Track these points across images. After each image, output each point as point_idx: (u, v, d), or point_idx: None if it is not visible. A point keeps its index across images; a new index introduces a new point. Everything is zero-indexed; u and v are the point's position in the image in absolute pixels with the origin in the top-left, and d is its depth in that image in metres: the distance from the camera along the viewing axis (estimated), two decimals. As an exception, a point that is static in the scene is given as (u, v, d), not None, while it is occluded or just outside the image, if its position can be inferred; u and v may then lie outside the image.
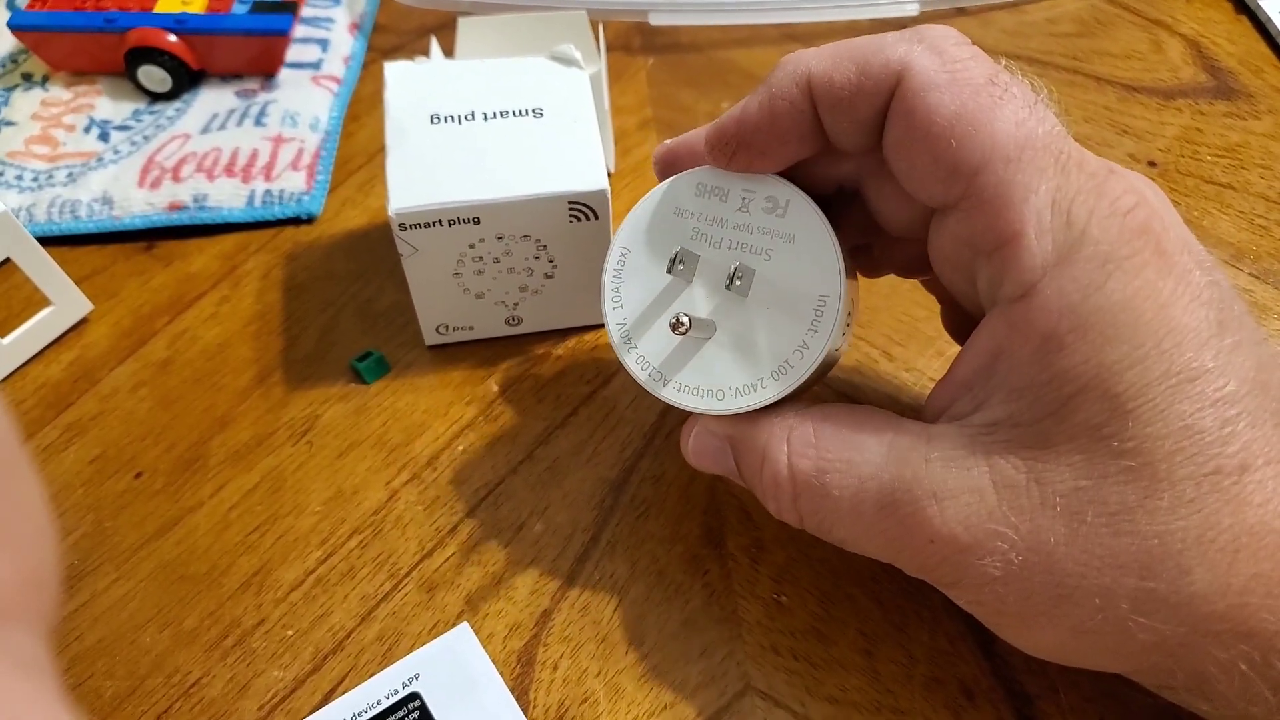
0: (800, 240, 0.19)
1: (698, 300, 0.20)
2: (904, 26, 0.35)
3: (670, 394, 0.20)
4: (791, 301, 0.19)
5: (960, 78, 0.16)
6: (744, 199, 0.20)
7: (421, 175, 0.23)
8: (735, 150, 0.19)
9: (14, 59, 0.34)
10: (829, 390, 0.25)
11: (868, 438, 0.18)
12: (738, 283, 0.19)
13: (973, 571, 0.16)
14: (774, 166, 0.19)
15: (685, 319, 0.19)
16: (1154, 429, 0.15)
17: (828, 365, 0.20)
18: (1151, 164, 0.31)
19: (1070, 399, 0.16)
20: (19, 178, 0.31)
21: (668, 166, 0.21)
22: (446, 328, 0.26)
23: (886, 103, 0.17)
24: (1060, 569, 0.16)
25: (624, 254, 0.20)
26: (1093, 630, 0.16)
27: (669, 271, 0.20)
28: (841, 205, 0.20)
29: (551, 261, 0.25)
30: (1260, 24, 0.34)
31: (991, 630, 0.18)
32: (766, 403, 0.19)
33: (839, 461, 0.18)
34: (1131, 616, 0.16)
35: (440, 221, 0.23)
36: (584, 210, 0.24)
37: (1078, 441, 0.16)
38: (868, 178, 0.20)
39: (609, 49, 0.34)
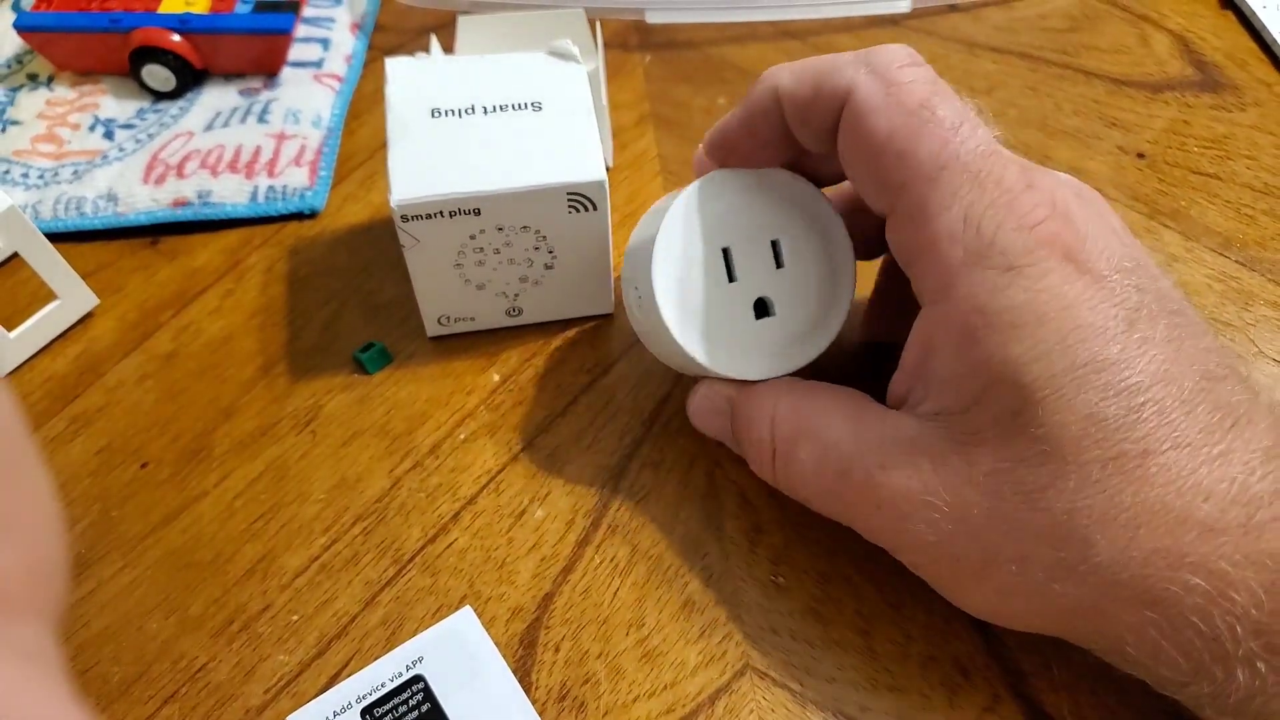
0: (818, 230, 0.22)
1: (745, 288, 0.22)
2: (897, 23, 0.36)
3: (729, 368, 0.22)
4: (812, 285, 0.22)
5: (894, 101, 0.18)
6: (758, 194, 0.22)
7: (423, 167, 0.24)
8: (725, 155, 0.22)
9: (19, 59, 0.35)
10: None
11: (837, 414, 0.20)
12: (779, 260, 0.22)
13: (911, 536, 0.19)
14: (760, 166, 0.22)
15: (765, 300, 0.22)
16: (1061, 416, 0.17)
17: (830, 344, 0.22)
18: (1140, 155, 0.31)
19: (986, 389, 0.17)
20: (25, 175, 0.31)
21: (727, 150, 0.22)
22: (448, 319, 0.27)
23: (837, 117, 0.19)
24: (982, 538, 0.18)
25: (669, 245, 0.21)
26: (1014, 592, 0.18)
27: (729, 270, 0.22)
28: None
29: (551, 252, 0.25)
30: (1245, 18, 0.35)
31: (936, 590, 0.20)
32: (788, 371, 0.22)
33: (811, 431, 0.20)
34: (1047, 584, 0.17)
35: (441, 213, 0.24)
36: (582, 201, 0.24)
37: (999, 427, 0.17)
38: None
39: (606, 46, 0.35)
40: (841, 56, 0.19)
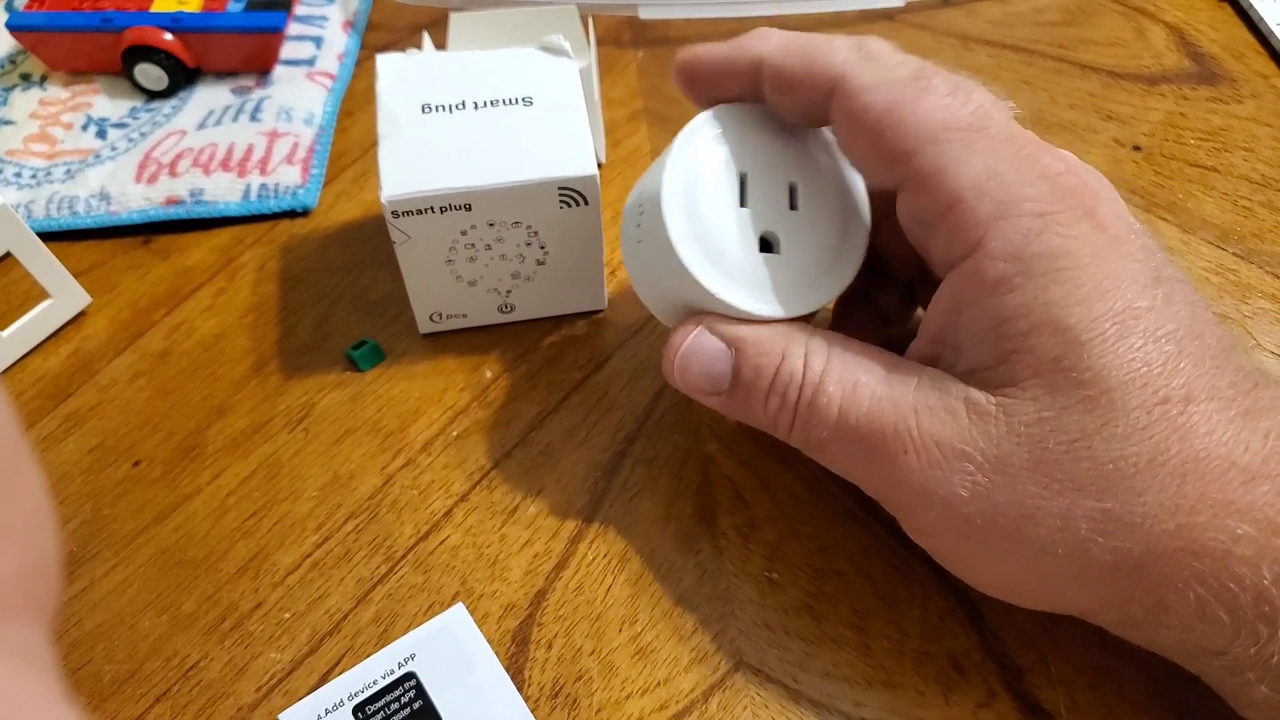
0: (834, 181, 0.21)
1: (755, 217, 0.21)
2: (891, 18, 0.36)
3: (730, 295, 0.20)
4: (822, 234, 0.21)
5: (888, 78, 0.19)
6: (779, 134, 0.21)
7: (413, 163, 0.24)
8: (689, 84, 0.22)
9: (12, 59, 0.35)
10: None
11: (869, 358, 0.19)
12: (793, 203, 0.21)
13: (943, 489, 0.18)
14: (711, 103, 0.21)
15: (772, 236, 0.21)
16: (1108, 360, 0.16)
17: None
18: (1136, 148, 0.31)
19: (1026, 336, 0.17)
20: (18, 175, 0.31)
21: (691, 77, 0.22)
22: (440, 315, 0.27)
23: (824, 97, 0.19)
24: (1023, 490, 0.17)
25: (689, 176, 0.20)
26: (1054, 553, 0.17)
27: (742, 196, 0.21)
28: None
29: (543, 248, 0.25)
30: (1242, 10, 0.35)
31: (951, 569, 0.19)
32: (799, 314, 0.21)
33: (841, 368, 0.19)
34: (1091, 537, 0.17)
35: (432, 208, 0.23)
36: (574, 196, 0.24)
37: (1041, 376, 0.17)
38: None
39: (599, 43, 0.35)
40: (834, 39, 0.20)
